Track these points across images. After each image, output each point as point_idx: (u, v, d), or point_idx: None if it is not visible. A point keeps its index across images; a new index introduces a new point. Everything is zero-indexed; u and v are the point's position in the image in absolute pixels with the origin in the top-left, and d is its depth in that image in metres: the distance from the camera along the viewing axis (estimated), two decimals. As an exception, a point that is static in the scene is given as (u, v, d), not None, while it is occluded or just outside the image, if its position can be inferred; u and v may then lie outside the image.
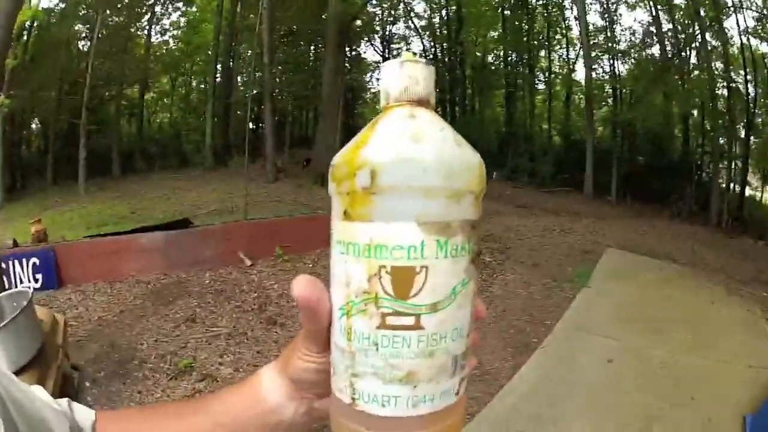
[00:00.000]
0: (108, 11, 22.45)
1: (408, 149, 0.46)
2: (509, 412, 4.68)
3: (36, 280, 7.33)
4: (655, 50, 26.14)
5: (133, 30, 25.16)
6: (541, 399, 4.96)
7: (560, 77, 31.01)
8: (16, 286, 7.01)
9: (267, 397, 0.61)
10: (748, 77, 23.14)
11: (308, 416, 0.62)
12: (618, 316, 7.23)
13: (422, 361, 0.47)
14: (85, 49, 22.99)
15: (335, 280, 0.51)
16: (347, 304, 0.49)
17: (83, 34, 23.56)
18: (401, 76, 0.50)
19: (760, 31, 21.97)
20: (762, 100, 23.33)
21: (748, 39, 22.75)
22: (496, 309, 7.33)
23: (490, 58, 33.01)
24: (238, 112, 27.19)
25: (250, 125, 25.46)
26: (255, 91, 21.58)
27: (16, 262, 7.32)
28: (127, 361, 5.49)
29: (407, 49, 31.93)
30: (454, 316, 0.48)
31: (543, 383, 5.31)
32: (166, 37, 27.55)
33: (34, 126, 25.61)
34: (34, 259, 7.39)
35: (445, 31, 31.66)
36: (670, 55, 24.70)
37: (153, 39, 26.61)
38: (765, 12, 21.38)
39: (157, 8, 25.99)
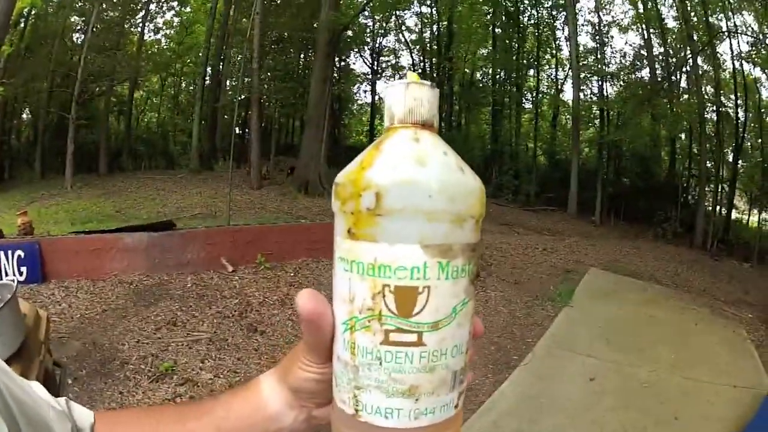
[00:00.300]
0: (104, 5, 22.29)
1: (413, 173, 0.47)
2: (490, 429, 4.66)
3: (21, 273, 7.23)
4: (645, 73, 26.29)
5: (127, 26, 25.02)
6: (522, 416, 4.95)
7: (548, 97, 31.17)
8: (1, 278, 6.95)
9: (267, 405, 0.62)
10: (739, 102, 23.19)
11: (307, 423, 0.62)
12: (600, 335, 7.24)
13: (424, 375, 0.49)
14: (79, 42, 22.79)
15: (338, 295, 0.51)
16: (351, 320, 0.50)
17: (78, 27, 23.44)
18: (406, 97, 0.50)
19: (754, 56, 22.00)
20: (752, 124, 23.36)
21: (741, 64, 22.82)
22: (477, 326, 7.33)
23: (478, 75, 33.26)
24: (226, 116, 26.98)
25: (237, 130, 25.44)
26: (243, 97, 21.46)
27: (2, 253, 7.22)
28: (108, 360, 5.44)
29: (396, 62, 32.20)
30: (454, 334, 0.49)
31: (524, 400, 5.30)
32: (158, 36, 27.57)
33: (24, 116, 25.43)
34: (19, 252, 7.28)
35: (435, 46, 31.67)
36: (659, 79, 24.76)
37: (146, 37, 26.53)
38: (760, 37, 21.44)
39: (152, 6, 25.95)
